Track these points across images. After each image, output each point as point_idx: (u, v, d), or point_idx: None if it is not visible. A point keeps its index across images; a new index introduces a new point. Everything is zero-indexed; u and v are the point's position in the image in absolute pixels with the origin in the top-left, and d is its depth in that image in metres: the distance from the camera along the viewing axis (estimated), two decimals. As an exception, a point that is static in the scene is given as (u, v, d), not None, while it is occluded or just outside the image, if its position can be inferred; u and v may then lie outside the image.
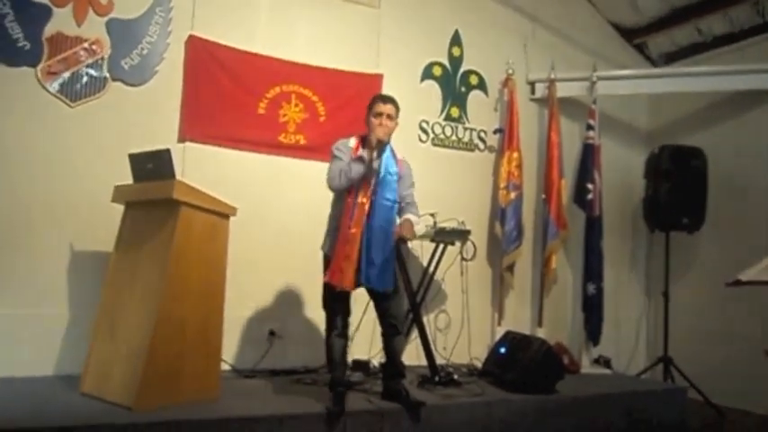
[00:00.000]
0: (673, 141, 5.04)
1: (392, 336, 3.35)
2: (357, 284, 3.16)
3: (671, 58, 5.64)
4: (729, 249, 4.83)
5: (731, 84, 4.91)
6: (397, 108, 3.32)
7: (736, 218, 4.90)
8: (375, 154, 3.18)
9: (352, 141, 3.31)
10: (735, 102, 5.01)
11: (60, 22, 3.67)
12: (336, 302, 3.26)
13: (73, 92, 3.69)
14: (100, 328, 3.17)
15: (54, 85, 3.64)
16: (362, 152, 3.19)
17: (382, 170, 3.23)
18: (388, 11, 4.70)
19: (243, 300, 3.97)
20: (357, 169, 3.14)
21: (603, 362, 5.01)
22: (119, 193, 3.30)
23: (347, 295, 3.27)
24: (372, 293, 3.28)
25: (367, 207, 3.15)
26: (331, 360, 3.30)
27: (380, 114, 3.24)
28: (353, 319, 3.46)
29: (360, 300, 3.43)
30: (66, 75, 3.67)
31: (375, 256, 3.15)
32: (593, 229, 4.94)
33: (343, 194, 3.20)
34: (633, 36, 5.68)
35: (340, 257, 3.12)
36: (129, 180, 3.26)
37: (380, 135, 3.20)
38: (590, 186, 4.93)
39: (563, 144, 5.03)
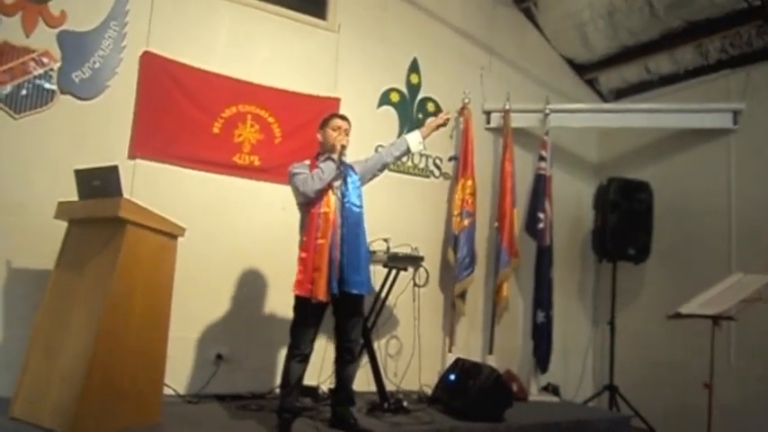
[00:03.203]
0: (621, 174, 5.20)
1: (348, 362, 3.34)
2: (331, 295, 3.12)
3: (620, 94, 5.84)
4: (674, 280, 4.98)
5: (676, 121, 5.11)
6: (350, 127, 3.41)
7: (680, 250, 5.06)
8: (339, 160, 3.25)
9: (307, 161, 3.33)
10: (679, 138, 5.21)
11: (7, 31, 3.56)
12: (308, 319, 3.19)
13: (18, 103, 3.56)
14: (35, 348, 3.02)
15: (-3, 96, 3.52)
16: (326, 157, 3.27)
17: (347, 177, 3.30)
18: (347, 36, 4.74)
19: (190, 321, 3.87)
20: (329, 167, 3.20)
21: (551, 389, 5.07)
22: (62, 210, 3.18)
23: (322, 311, 3.22)
24: (342, 308, 3.25)
25: (332, 216, 3.17)
26: (286, 384, 3.22)
27: (339, 128, 3.34)
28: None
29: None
30: (12, 85, 3.55)
31: (357, 261, 3.19)
32: (544, 258, 5.02)
33: (307, 208, 3.21)
34: (585, 71, 5.88)
35: (309, 268, 3.10)
36: (75, 196, 3.16)
37: (343, 141, 3.29)
38: (541, 216, 5.02)
39: (516, 173, 5.12)
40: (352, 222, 3.23)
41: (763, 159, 4.63)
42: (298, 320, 3.23)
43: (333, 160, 3.23)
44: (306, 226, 3.20)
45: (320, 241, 3.12)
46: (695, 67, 5.19)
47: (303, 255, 3.15)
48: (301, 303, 3.18)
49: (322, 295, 3.08)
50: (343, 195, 3.25)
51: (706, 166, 5.01)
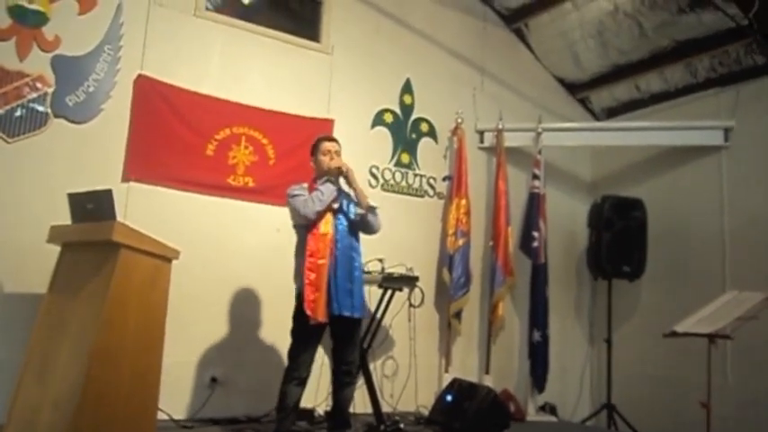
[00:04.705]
0: (614, 192, 5.22)
1: (346, 385, 3.32)
2: (330, 316, 3.13)
3: (612, 112, 5.88)
4: (669, 297, 4.97)
5: (668, 139, 5.15)
6: (340, 147, 3.42)
7: (675, 266, 5.06)
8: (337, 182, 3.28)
9: (305, 184, 3.33)
10: (671, 155, 5.24)
11: (1, 55, 3.57)
12: (307, 341, 3.19)
13: (11, 127, 3.56)
14: (27, 372, 2.98)
15: (-10, 120, 3.51)
16: (325, 179, 3.28)
17: (342, 200, 3.31)
18: (340, 57, 4.77)
19: (185, 345, 3.84)
20: (329, 189, 3.23)
21: (549, 409, 5.04)
22: (55, 234, 3.17)
23: (320, 332, 3.22)
24: (338, 331, 3.24)
25: (330, 237, 3.18)
26: (282, 408, 3.20)
27: (328, 151, 3.34)
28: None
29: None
30: (5, 110, 3.55)
31: (350, 284, 3.20)
32: (539, 276, 5.02)
33: (305, 230, 3.21)
34: (577, 90, 5.92)
35: (310, 289, 3.10)
36: (68, 220, 3.14)
37: (338, 164, 3.29)
38: (535, 234, 5.02)
39: (510, 192, 5.13)
40: (345, 245, 3.25)
41: (755, 175, 4.66)
42: (296, 344, 3.22)
43: (332, 182, 3.26)
44: (304, 247, 3.19)
45: (320, 262, 3.14)
46: (685, 86, 5.23)
47: (310, 275, 3.13)
48: (299, 326, 3.17)
49: (321, 316, 3.08)
50: (337, 219, 3.27)
51: (698, 183, 5.04)
